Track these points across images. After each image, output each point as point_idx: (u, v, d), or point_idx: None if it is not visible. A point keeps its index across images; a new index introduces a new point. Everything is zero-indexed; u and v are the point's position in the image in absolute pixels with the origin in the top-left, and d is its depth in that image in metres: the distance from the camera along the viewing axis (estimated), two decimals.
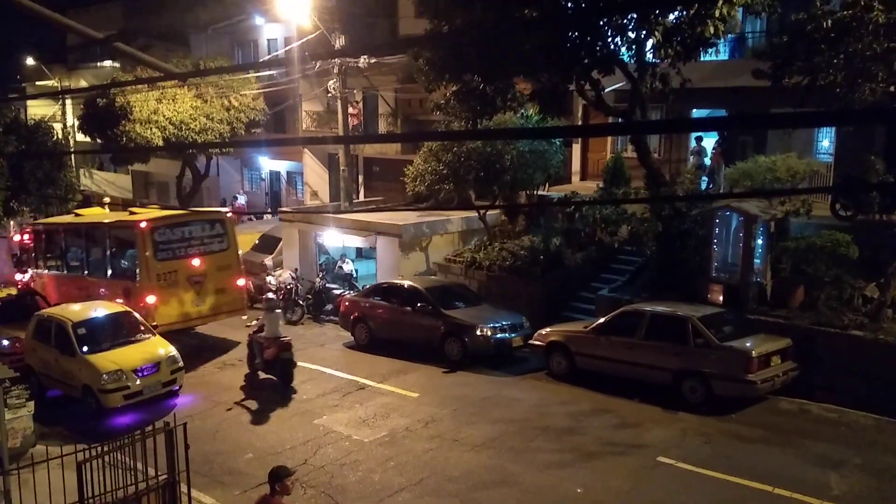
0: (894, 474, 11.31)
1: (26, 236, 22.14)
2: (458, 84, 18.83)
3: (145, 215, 18.62)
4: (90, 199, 37.79)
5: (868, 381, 13.63)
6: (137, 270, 17.84)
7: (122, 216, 19.66)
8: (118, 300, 17.48)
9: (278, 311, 16.67)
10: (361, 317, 18.63)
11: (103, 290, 18.66)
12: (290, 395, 15.29)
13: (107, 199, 30.35)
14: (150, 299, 17.42)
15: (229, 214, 19.49)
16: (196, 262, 18.08)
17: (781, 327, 14.48)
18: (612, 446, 12.51)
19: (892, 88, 13.65)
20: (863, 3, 13.31)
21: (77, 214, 20.51)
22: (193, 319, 17.95)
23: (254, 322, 17.08)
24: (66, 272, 20.64)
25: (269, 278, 22.74)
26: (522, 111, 20.31)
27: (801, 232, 16.17)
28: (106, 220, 19.72)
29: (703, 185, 20.11)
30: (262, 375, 16.21)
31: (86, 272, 19.78)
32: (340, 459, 12.21)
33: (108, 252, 19.06)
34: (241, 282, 19.01)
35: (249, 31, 34.36)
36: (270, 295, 17.89)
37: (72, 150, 33.98)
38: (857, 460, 11.64)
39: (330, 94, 24.93)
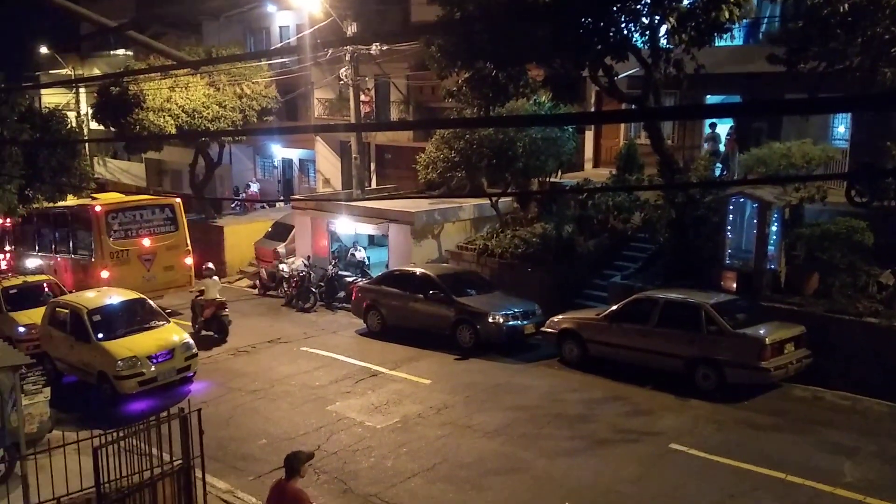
0: None
1: (8, 221, 24.08)
2: (470, 71, 18.74)
3: (102, 201, 21.01)
4: (104, 187, 38.03)
5: (883, 369, 13.54)
6: (93, 249, 20.46)
7: (85, 202, 21.70)
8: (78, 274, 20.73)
9: (215, 277, 19.53)
10: (374, 304, 18.67)
11: (66, 266, 21.54)
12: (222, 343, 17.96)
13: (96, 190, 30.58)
14: (104, 274, 19.94)
15: (178, 199, 22.29)
16: (147, 242, 20.78)
17: (795, 314, 14.40)
18: (624, 433, 12.51)
19: None
20: None
21: (94, 199, 21.85)
22: (145, 293, 18.94)
23: (197, 288, 19.73)
24: (38, 251, 23.17)
25: (281, 266, 22.85)
26: (535, 98, 20.21)
27: (815, 218, 16.04)
28: (68, 206, 21.84)
29: (717, 172, 19.97)
30: (203, 332, 18.36)
31: (53, 251, 22.39)
32: (353, 445, 12.28)
33: (71, 233, 21.71)
34: (188, 260, 21.66)
35: (262, 18, 34.30)
36: (209, 264, 20.28)
37: (86, 138, 34.12)
38: (871, 448, 11.58)
39: (342, 82, 24.89)
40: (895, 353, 13.40)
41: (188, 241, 21.85)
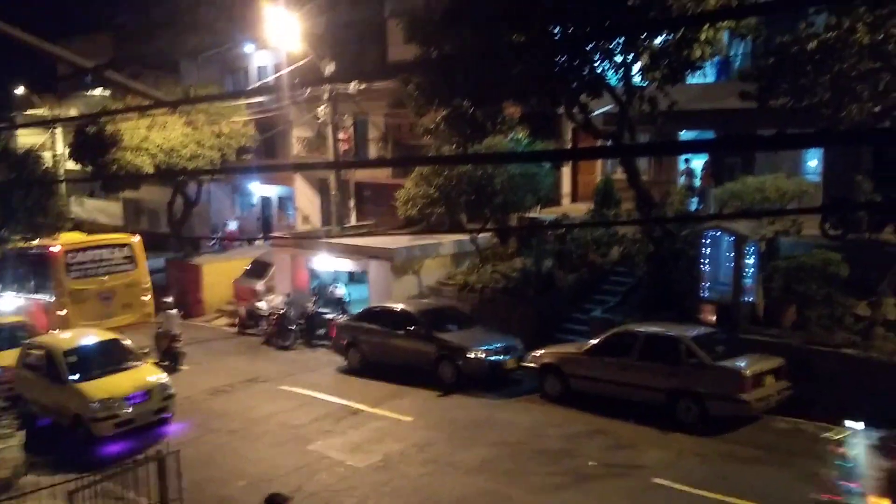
0: None
1: None
2: (447, 108, 18.96)
3: (62, 241, 21.60)
4: (81, 227, 37.73)
5: (862, 399, 13.63)
6: (53, 288, 20.98)
7: (46, 242, 22.22)
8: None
9: (173, 311, 20.18)
10: (354, 341, 18.56)
11: (30, 304, 21.63)
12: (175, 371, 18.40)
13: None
14: (62, 312, 20.38)
15: (136, 239, 22.66)
16: (105, 280, 21.22)
17: (774, 346, 14.52)
18: (607, 468, 12.46)
19: (877, 109, 13.81)
20: (846, 25, 13.51)
21: (54, 239, 22.23)
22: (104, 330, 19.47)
23: (158, 321, 20.55)
24: (8, 291, 23.27)
25: (260, 304, 22.69)
26: (512, 134, 20.44)
27: (791, 251, 16.27)
28: (30, 247, 22.32)
29: (693, 206, 20.24)
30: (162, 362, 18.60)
31: (17, 290, 22.68)
32: (335, 485, 12.11)
33: (34, 273, 22.28)
34: (147, 297, 22.12)
35: (240, 58, 34.51)
36: (169, 299, 20.91)
37: (62, 177, 33.92)
38: None
39: (320, 120, 25.03)
40: (874, 383, 13.52)
41: (147, 279, 22.48)
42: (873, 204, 16.66)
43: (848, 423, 9.34)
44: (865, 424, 9.00)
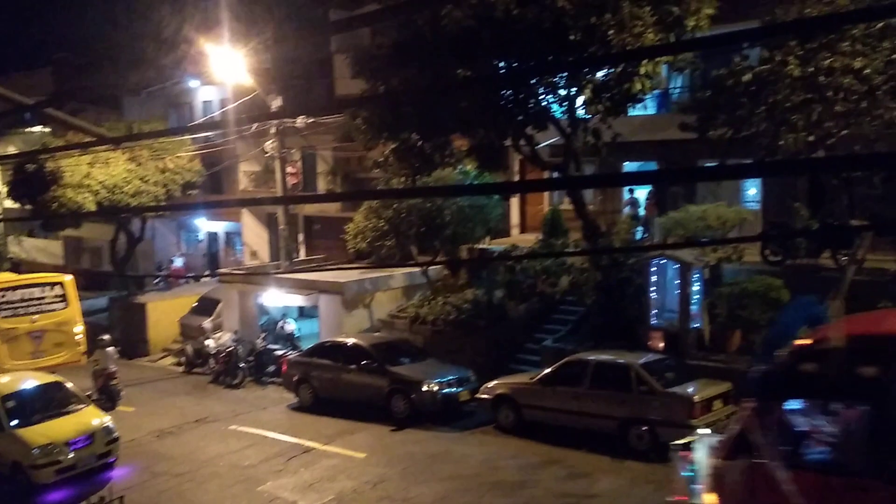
0: None
1: None
2: (396, 142, 19.01)
3: None
4: (19, 267, 36.57)
5: None
6: None
7: None
8: None
9: (109, 349, 20.07)
10: (305, 377, 18.32)
11: None
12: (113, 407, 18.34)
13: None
14: None
15: (69, 278, 22.14)
16: (35, 319, 20.58)
17: (721, 371, 14.78)
18: (563, 498, 12.46)
19: (811, 138, 14.33)
20: (779, 59, 14.05)
21: None
22: (35, 369, 19.05)
23: (95, 358, 20.25)
24: None
25: (207, 342, 22.26)
26: (461, 167, 20.61)
27: (734, 277, 16.66)
28: None
29: (639, 235, 20.62)
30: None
31: None
32: None
33: None
34: (79, 336, 21.53)
35: (184, 93, 34.19)
36: (105, 336, 20.79)
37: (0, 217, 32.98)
38: None
39: (268, 154, 24.88)
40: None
41: (79, 318, 21.96)
42: (810, 231, 17.22)
43: (699, 430, 9.69)
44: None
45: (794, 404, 8.12)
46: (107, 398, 19.02)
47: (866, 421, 7.61)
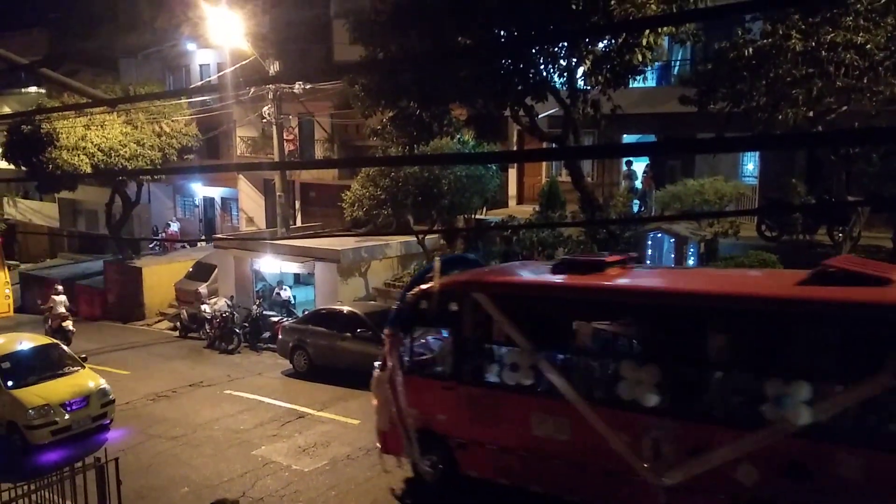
0: None
1: None
2: (394, 110, 18.93)
3: None
4: (14, 228, 36.53)
5: None
6: None
7: None
8: None
9: (61, 297, 22.29)
10: (300, 344, 18.39)
11: None
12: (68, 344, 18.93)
13: None
14: None
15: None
16: None
17: None
18: None
19: (811, 113, 14.29)
20: (781, 32, 13.95)
21: None
22: None
23: (49, 304, 22.51)
24: None
25: (203, 307, 22.31)
26: (459, 136, 20.53)
27: (729, 252, 16.70)
28: None
29: (635, 208, 20.61)
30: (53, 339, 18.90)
31: None
32: (280, 490, 11.98)
33: None
34: (7, 291, 25.20)
35: (181, 56, 33.90)
36: (59, 286, 23.25)
37: None
38: None
39: (265, 120, 24.75)
40: None
41: (5, 276, 25.43)
42: (807, 206, 17.24)
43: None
44: None
45: (416, 331, 11.50)
46: (61, 338, 19.70)
47: (451, 341, 10.99)
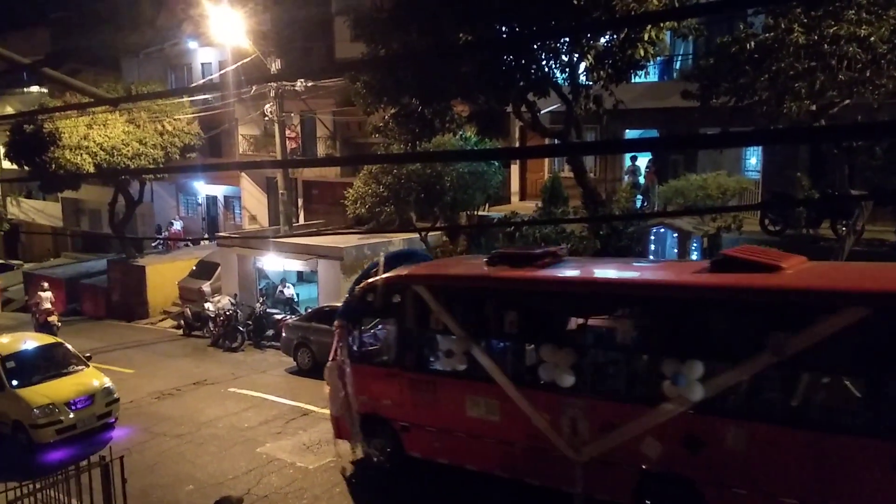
0: None
1: None
2: (396, 107, 18.90)
3: None
4: (18, 228, 36.58)
5: None
6: None
7: None
8: None
9: (47, 293, 23.04)
10: (304, 341, 18.40)
11: None
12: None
13: None
14: None
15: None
16: None
17: None
18: None
19: (814, 107, 14.24)
20: (784, 26, 13.90)
21: None
22: None
23: (35, 301, 23.35)
24: None
25: (206, 305, 22.33)
26: (461, 133, 20.51)
27: (732, 247, 16.64)
28: None
29: (638, 204, 20.58)
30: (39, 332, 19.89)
31: None
32: (284, 488, 12.00)
33: None
34: None
35: (183, 55, 33.90)
36: (44, 283, 24.20)
37: None
38: None
39: (267, 118, 24.73)
40: None
41: None
42: (812, 200, 17.20)
43: None
44: None
45: (363, 323, 12.25)
46: (47, 332, 20.33)
47: (394, 331, 11.75)
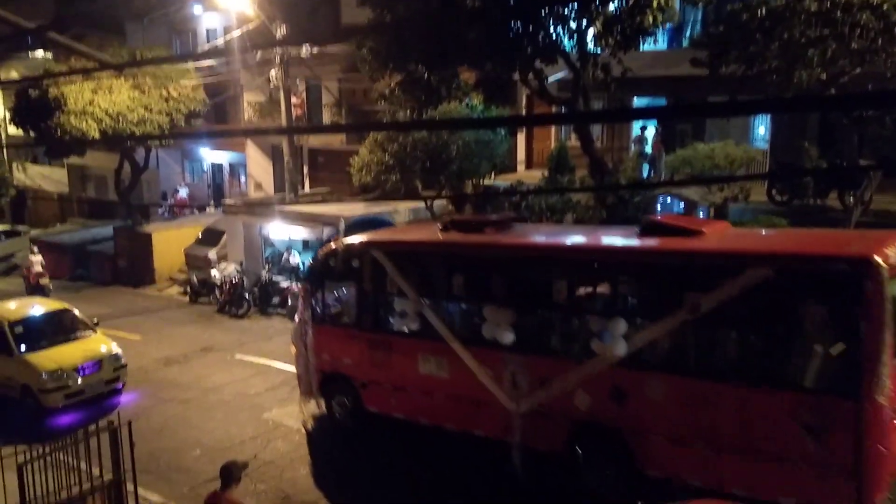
0: None
1: None
2: (402, 73, 18.72)
3: None
4: (24, 194, 36.63)
5: None
6: None
7: None
8: None
9: (37, 257, 24.18)
10: None
11: None
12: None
13: None
14: None
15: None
16: None
17: None
18: None
19: (824, 76, 14.07)
20: None
21: None
22: None
23: (27, 264, 24.46)
24: None
25: (212, 272, 22.41)
26: (467, 101, 20.34)
27: (739, 217, 16.59)
28: None
29: (645, 173, 20.47)
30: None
31: None
32: (291, 453, 12.14)
33: None
34: None
35: (188, 20, 33.61)
36: (34, 248, 25.36)
37: (3, 143, 32.88)
38: None
39: (272, 85, 24.58)
40: None
41: None
42: (819, 170, 17.08)
43: None
44: None
45: (326, 285, 12.70)
46: (39, 294, 21.92)
47: (354, 293, 12.44)
